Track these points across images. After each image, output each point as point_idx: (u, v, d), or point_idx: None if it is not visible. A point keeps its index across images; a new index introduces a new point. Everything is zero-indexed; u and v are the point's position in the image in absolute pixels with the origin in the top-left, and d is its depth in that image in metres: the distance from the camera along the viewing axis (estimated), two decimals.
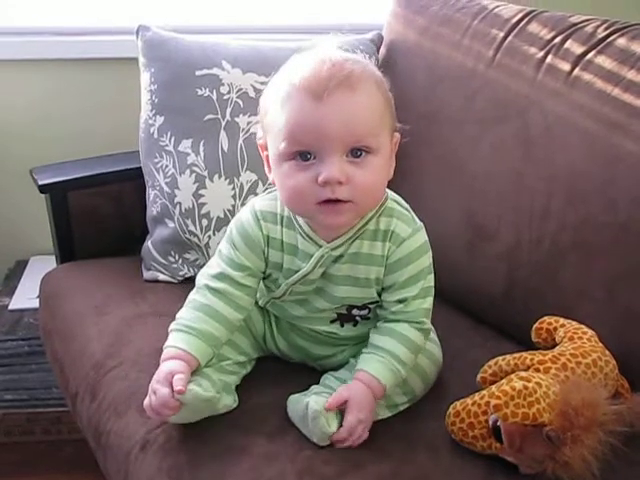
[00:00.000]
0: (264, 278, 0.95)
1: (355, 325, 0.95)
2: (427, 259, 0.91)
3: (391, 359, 0.88)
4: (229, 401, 0.90)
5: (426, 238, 0.92)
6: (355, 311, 0.94)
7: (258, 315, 0.99)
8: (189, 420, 0.87)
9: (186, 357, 0.86)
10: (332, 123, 0.79)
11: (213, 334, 0.89)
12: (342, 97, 0.79)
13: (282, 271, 0.92)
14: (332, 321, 0.95)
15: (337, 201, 0.81)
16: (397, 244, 0.89)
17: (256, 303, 0.98)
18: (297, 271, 0.90)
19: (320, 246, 0.89)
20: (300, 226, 0.90)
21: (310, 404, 0.84)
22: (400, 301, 0.90)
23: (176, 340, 0.88)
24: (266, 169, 0.89)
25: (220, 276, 0.91)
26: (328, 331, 0.96)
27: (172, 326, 0.91)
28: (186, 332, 0.88)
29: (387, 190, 0.90)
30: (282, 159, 0.83)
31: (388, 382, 0.87)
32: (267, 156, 0.87)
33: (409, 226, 0.90)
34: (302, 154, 0.81)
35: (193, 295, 0.93)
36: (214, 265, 0.93)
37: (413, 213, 0.92)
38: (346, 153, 0.81)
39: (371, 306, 0.93)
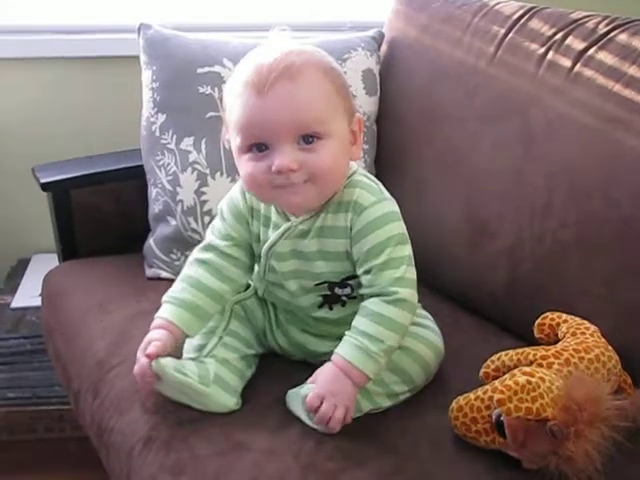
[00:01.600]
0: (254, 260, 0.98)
1: (344, 305, 0.95)
2: (395, 228, 0.89)
3: (362, 339, 0.85)
4: (228, 401, 0.90)
5: (394, 209, 0.90)
6: (337, 290, 0.94)
7: (258, 308, 1.00)
8: (177, 398, 0.90)
9: (169, 326, 0.91)
10: (275, 115, 0.82)
11: (196, 303, 0.92)
12: (282, 89, 0.82)
13: (259, 243, 0.95)
14: (320, 306, 0.95)
15: (291, 185, 0.85)
16: (358, 213, 0.88)
17: (256, 295, 1.00)
18: (264, 241, 0.93)
19: (289, 220, 0.92)
20: (275, 206, 0.93)
21: (309, 392, 0.85)
22: (367, 272, 0.88)
23: (161, 311, 0.93)
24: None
25: (207, 247, 0.96)
26: (320, 317, 0.96)
27: (162, 299, 0.94)
28: (170, 303, 0.93)
29: (354, 165, 0.92)
30: (241, 152, 0.87)
31: (360, 362, 0.85)
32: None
33: (373, 195, 0.89)
34: (257, 146, 0.85)
35: (184, 269, 0.97)
36: (205, 239, 0.98)
37: (383, 187, 0.92)
38: (297, 141, 0.84)
39: (351, 282, 0.93)
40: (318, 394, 0.84)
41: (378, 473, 0.81)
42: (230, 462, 0.83)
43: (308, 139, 0.84)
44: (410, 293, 0.88)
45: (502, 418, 0.79)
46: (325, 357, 0.95)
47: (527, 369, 0.83)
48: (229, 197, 0.97)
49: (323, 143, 0.85)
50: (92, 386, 1.04)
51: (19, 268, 1.70)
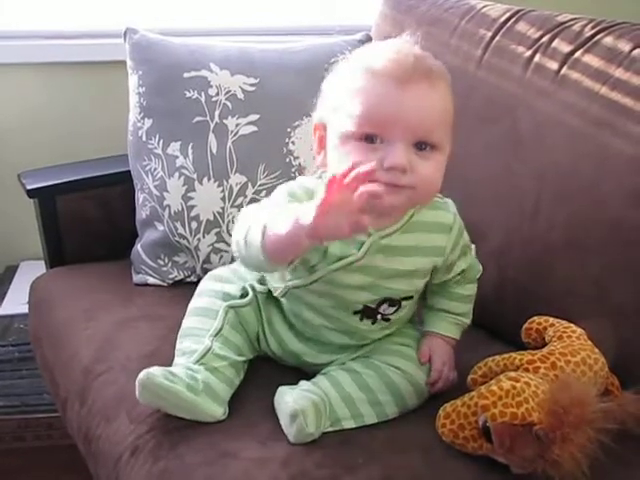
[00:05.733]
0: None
1: (373, 323, 0.94)
2: (462, 225, 0.95)
3: (461, 317, 1.00)
4: (216, 411, 0.88)
5: (455, 210, 0.95)
6: (384, 307, 0.92)
7: (252, 314, 0.97)
8: (163, 408, 0.88)
9: None
10: (410, 111, 0.81)
11: None
12: (423, 89, 0.81)
13: (325, 255, 0.88)
14: (355, 312, 0.92)
15: (395, 186, 0.81)
16: (448, 232, 0.93)
17: (249, 304, 0.96)
18: (341, 257, 0.87)
19: (367, 234, 0.86)
20: None
21: (289, 403, 0.84)
22: (459, 274, 0.97)
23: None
24: (315, 150, 0.90)
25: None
26: (344, 322, 0.93)
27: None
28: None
29: None
30: (349, 138, 0.83)
31: (458, 335, 0.99)
32: (321, 137, 0.88)
33: (447, 211, 0.94)
34: (369, 137, 0.82)
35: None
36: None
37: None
38: (412, 144, 0.82)
39: (404, 302, 0.93)
40: (439, 368, 0.94)
41: None
42: (218, 471, 0.82)
43: (422, 146, 0.83)
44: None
45: (488, 424, 0.79)
46: (317, 367, 0.96)
47: (512, 374, 0.83)
48: (287, 186, 0.90)
49: (434, 155, 0.84)
50: (79, 394, 1.03)
51: (7, 275, 1.68)
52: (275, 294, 0.96)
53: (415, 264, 0.90)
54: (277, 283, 0.95)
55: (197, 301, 0.99)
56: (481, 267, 1.01)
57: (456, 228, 0.93)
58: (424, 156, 0.83)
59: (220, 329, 0.94)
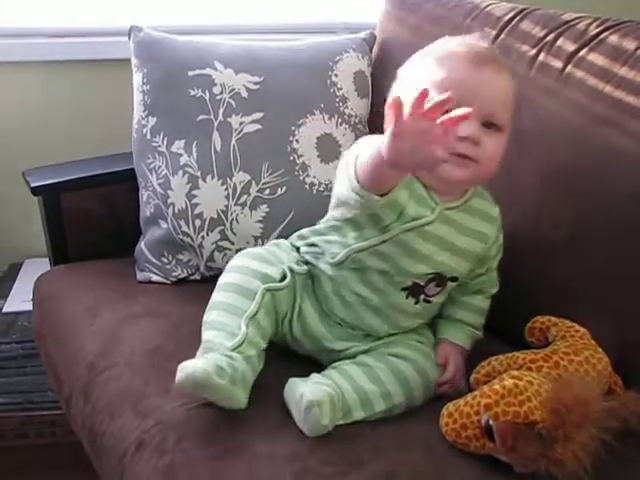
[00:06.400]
0: (361, 227, 0.94)
1: (416, 303, 0.97)
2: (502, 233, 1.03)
3: (474, 330, 1.03)
4: (243, 400, 0.87)
5: None
6: (430, 286, 0.96)
7: (286, 297, 0.97)
8: (195, 395, 0.88)
9: None
10: (484, 90, 0.91)
11: None
12: (495, 72, 0.93)
13: (400, 215, 0.92)
14: (403, 288, 0.96)
15: (466, 157, 0.90)
16: (493, 223, 1.00)
17: (287, 287, 0.96)
18: (415, 218, 0.92)
19: (435, 202, 0.94)
20: (418, 178, 0.94)
21: (305, 394, 0.84)
22: (483, 273, 1.02)
23: None
24: (385, 126, 0.92)
25: None
26: (390, 298, 0.96)
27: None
28: None
29: None
30: None
31: (467, 344, 1.02)
32: None
33: (492, 204, 1.01)
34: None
35: None
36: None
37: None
38: (481, 122, 0.91)
39: (449, 284, 0.98)
40: (452, 371, 0.97)
41: (372, 478, 0.80)
42: (224, 466, 0.82)
43: (489, 124, 0.91)
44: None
45: (491, 422, 0.79)
46: (333, 354, 0.98)
47: (515, 373, 0.83)
48: None
49: (498, 135, 0.92)
50: (83, 390, 1.03)
51: (11, 273, 1.69)
52: (332, 261, 0.97)
53: (466, 244, 0.97)
54: (338, 249, 0.96)
55: (233, 276, 0.97)
56: (498, 284, 1.05)
57: (499, 222, 1.01)
58: (490, 134, 0.92)
59: (255, 313, 0.93)
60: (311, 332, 0.99)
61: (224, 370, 0.85)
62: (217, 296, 0.97)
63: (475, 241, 0.98)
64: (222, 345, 0.89)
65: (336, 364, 0.95)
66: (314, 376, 0.91)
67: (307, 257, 1.02)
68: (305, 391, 0.85)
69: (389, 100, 0.88)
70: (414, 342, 0.99)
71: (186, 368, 0.84)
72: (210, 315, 0.95)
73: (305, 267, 1.00)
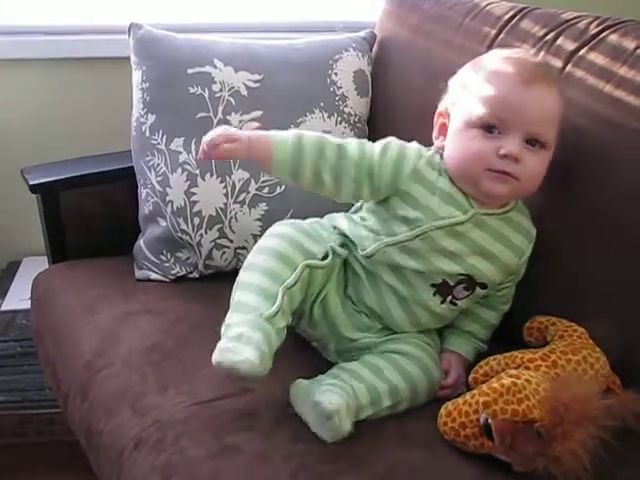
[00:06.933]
0: (386, 219, 0.98)
1: (442, 302, 0.98)
2: None
3: (482, 344, 1.04)
4: (264, 371, 0.85)
5: None
6: (459, 288, 0.97)
7: (321, 277, 0.97)
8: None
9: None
10: (529, 108, 0.92)
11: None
12: (542, 90, 0.93)
13: (426, 213, 0.95)
14: (433, 284, 0.97)
15: (506, 174, 0.92)
16: (530, 240, 1.01)
17: (326, 267, 0.97)
18: (445, 217, 0.95)
19: (470, 205, 0.96)
20: (455, 183, 0.97)
21: (324, 404, 0.82)
22: (504, 287, 1.03)
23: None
24: (434, 134, 1.01)
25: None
26: (417, 293, 0.97)
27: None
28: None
29: None
30: (472, 125, 0.94)
31: (471, 356, 1.02)
32: (443, 124, 1.00)
33: (531, 222, 1.02)
34: (489, 127, 0.93)
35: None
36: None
37: None
38: (525, 139, 0.92)
39: (478, 290, 0.99)
40: (454, 378, 0.98)
41: (370, 477, 0.80)
42: (221, 464, 0.82)
43: (533, 142, 0.93)
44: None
45: (489, 421, 0.78)
46: (345, 343, 0.99)
47: (513, 372, 0.83)
48: (403, 146, 0.99)
49: (542, 153, 0.94)
50: (80, 388, 1.03)
51: (9, 271, 1.69)
52: (362, 253, 0.98)
53: (500, 252, 0.97)
54: (369, 242, 0.98)
55: (277, 242, 0.95)
56: (511, 302, 1.06)
57: (533, 239, 1.02)
58: (533, 152, 0.93)
59: (293, 284, 0.91)
60: (332, 317, 0.99)
61: (264, 354, 0.84)
62: (257, 259, 0.94)
63: (509, 251, 0.98)
64: (256, 310, 0.88)
65: (342, 365, 0.94)
66: (323, 379, 0.89)
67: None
68: (322, 401, 0.83)
69: (440, 109, 1.02)
70: (421, 342, 0.99)
71: (228, 355, 0.83)
72: (248, 275, 0.93)
73: (345, 251, 1.00)
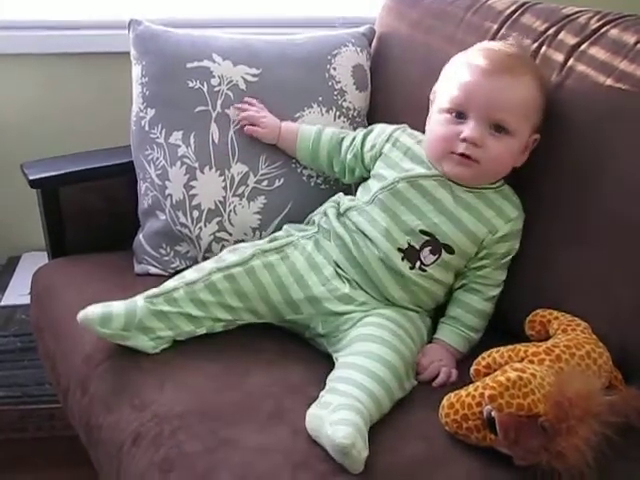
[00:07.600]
0: (364, 180, 1.13)
1: (412, 269, 1.02)
2: (518, 243, 1.07)
3: (468, 331, 1.04)
4: (146, 344, 0.99)
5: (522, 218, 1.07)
6: (425, 252, 1.02)
7: (297, 253, 1.05)
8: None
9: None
10: (496, 96, 0.99)
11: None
12: (508, 81, 1.00)
13: (396, 170, 1.07)
14: (399, 249, 1.02)
15: (467, 157, 1.00)
16: (505, 221, 1.04)
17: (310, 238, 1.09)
18: (409, 170, 1.05)
19: (436, 169, 1.04)
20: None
21: (339, 440, 0.78)
22: (481, 267, 1.05)
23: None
24: (428, 120, 1.09)
25: None
26: (389, 257, 1.02)
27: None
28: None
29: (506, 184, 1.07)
30: (442, 111, 1.04)
31: (464, 348, 1.03)
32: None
33: (516, 209, 1.06)
34: (459, 113, 1.01)
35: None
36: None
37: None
38: (490, 125, 0.99)
39: (444, 255, 1.02)
40: (423, 364, 0.98)
41: (371, 471, 0.80)
42: (219, 459, 0.82)
43: (499, 128, 1.00)
44: (499, 290, 1.07)
45: (493, 414, 0.78)
46: (330, 318, 1.01)
47: (518, 365, 0.83)
48: (395, 130, 1.13)
49: (507, 138, 1.00)
50: (80, 383, 1.03)
51: (9, 266, 1.69)
52: (362, 202, 1.08)
53: (467, 219, 1.02)
54: (351, 202, 1.10)
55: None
56: (502, 287, 1.07)
57: (516, 225, 1.05)
58: (497, 137, 1.00)
59: (193, 282, 1.02)
60: (311, 293, 1.02)
61: (111, 313, 0.98)
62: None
63: (477, 221, 1.03)
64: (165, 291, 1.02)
65: (337, 375, 0.92)
66: (328, 400, 0.86)
67: (318, 220, 1.12)
68: (336, 437, 0.78)
69: (430, 96, 1.11)
70: (389, 322, 0.98)
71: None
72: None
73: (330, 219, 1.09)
